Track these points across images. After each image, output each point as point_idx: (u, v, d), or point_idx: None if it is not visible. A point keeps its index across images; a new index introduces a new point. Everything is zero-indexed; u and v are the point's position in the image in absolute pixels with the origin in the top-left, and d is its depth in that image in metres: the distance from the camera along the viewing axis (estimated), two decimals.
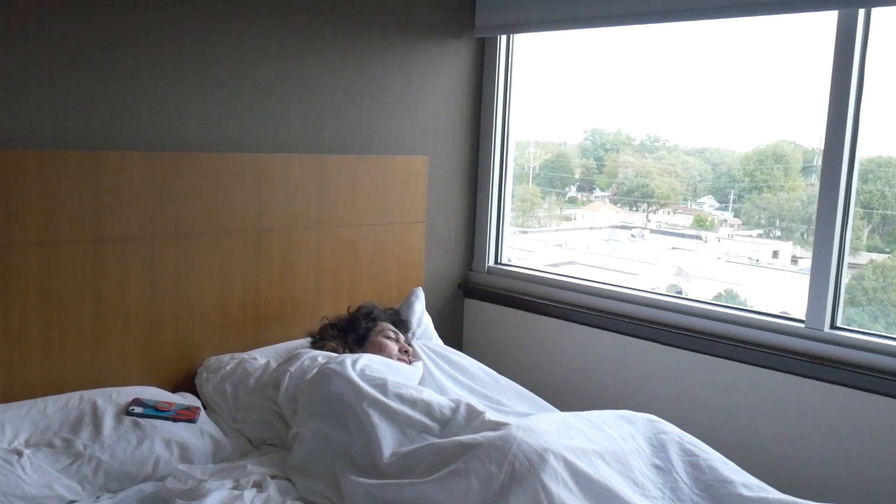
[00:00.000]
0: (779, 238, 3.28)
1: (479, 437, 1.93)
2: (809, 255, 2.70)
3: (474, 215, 3.62)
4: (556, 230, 4.00)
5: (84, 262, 2.37)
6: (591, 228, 3.83)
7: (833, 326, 2.64)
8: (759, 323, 2.77)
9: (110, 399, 2.27)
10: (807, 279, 2.67)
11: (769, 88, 3.00)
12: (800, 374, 2.62)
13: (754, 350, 2.73)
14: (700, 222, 3.47)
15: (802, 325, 2.67)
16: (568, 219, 3.94)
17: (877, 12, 2.49)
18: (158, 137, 2.55)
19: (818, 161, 2.66)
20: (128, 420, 2.19)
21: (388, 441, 2.03)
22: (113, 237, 2.42)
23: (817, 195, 2.63)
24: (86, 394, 2.28)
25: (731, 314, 2.85)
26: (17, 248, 2.24)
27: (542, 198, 3.98)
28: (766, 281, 3.26)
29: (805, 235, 3.13)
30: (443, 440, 1.99)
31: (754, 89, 3.05)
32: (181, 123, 2.60)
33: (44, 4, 2.27)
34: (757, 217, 3.31)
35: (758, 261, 3.30)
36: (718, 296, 3.23)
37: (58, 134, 2.35)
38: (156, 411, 2.25)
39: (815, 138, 2.98)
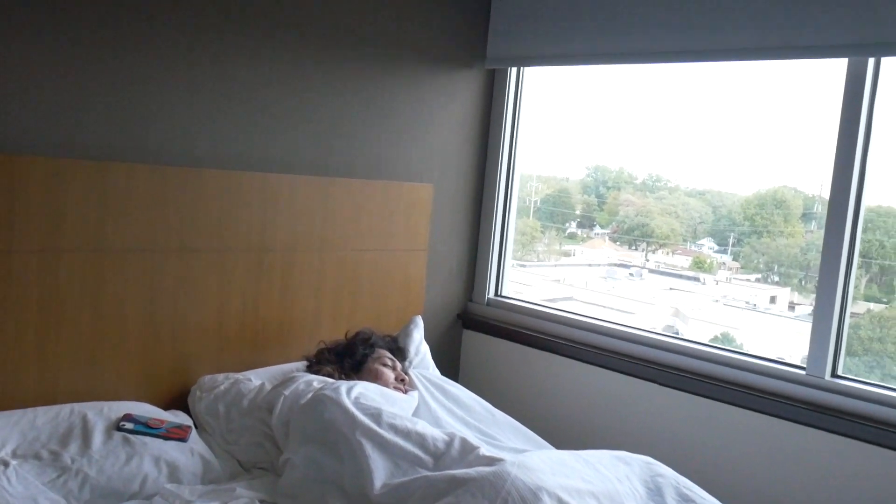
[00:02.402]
0: (776, 283, 3.27)
1: (472, 471, 1.91)
2: (806, 301, 2.70)
3: (476, 246, 3.61)
4: (555, 265, 3.99)
5: (84, 271, 2.36)
6: (589, 265, 3.83)
7: (834, 375, 2.62)
8: (760, 368, 2.75)
9: (101, 413, 2.24)
10: (803, 325, 2.67)
11: (772, 133, 3.01)
12: (799, 421, 2.60)
13: (754, 395, 2.71)
14: (699, 264, 3.46)
15: (803, 373, 2.65)
16: (567, 254, 3.93)
17: (887, 62, 2.51)
18: (167, 151, 2.55)
19: (818, 208, 2.67)
20: (118, 435, 2.16)
21: (380, 472, 2.00)
22: (114, 248, 2.41)
23: (817, 242, 2.63)
24: (77, 406, 2.26)
25: (732, 358, 2.83)
26: (18, 254, 2.23)
27: (542, 232, 3.97)
28: (762, 326, 3.24)
29: (803, 282, 3.12)
30: (435, 473, 1.97)
31: (757, 133, 3.07)
32: (190, 139, 2.60)
33: (59, 11, 2.28)
34: (755, 261, 3.31)
35: (755, 305, 3.29)
36: (715, 339, 3.21)
37: (66, 142, 2.35)
38: (147, 428, 2.22)
39: (816, 185, 2.99)
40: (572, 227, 3.91)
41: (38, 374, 2.31)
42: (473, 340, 3.57)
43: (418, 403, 2.53)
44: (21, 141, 2.26)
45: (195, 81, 2.59)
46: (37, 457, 2.03)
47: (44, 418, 2.17)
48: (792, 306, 3.18)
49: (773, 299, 3.28)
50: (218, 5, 2.59)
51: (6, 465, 1.95)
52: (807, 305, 2.95)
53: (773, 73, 2.92)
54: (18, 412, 2.18)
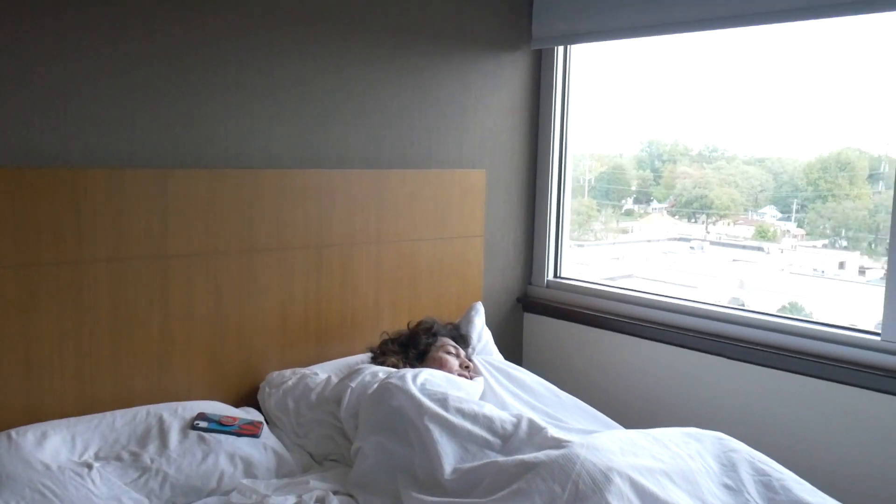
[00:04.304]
0: (845, 248, 3.18)
1: (541, 455, 1.90)
2: (878, 265, 2.61)
3: (533, 229, 3.59)
4: (613, 243, 3.94)
5: (151, 277, 2.42)
6: (648, 241, 3.78)
7: None
8: (831, 336, 2.68)
9: (176, 413, 2.30)
10: (876, 290, 2.58)
11: (832, 94, 2.91)
12: (875, 388, 2.52)
13: (826, 364, 2.64)
14: (762, 233, 3.38)
15: (878, 338, 2.57)
16: (625, 231, 3.88)
17: None
18: (222, 155, 2.60)
19: (885, 168, 2.57)
20: (193, 434, 2.22)
21: (450, 457, 2.01)
22: (178, 253, 2.47)
23: (885, 203, 2.54)
24: (152, 408, 2.32)
25: (801, 327, 2.76)
26: (87, 265, 2.30)
27: (598, 210, 3.93)
28: (832, 292, 3.16)
29: (873, 245, 3.03)
30: (505, 458, 1.97)
31: (816, 96, 2.97)
32: (244, 140, 2.64)
33: (106, 31, 2.33)
34: (821, 227, 3.22)
35: (823, 272, 3.21)
36: (783, 308, 3.14)
37: (125, 152, 2.40)
38: (220, 426, 2.27)
39: (882, 144, 2.88)
40: (629, 203, 3.86)
41: (113, 379, 2.38)
42: (535, 323, 3.56)
43: (484, 389, 2.53)
44: (81, 153, 2.32)
45: (244, 83, 2.62)
46: (118, 458, 2.10)
47: (122, 421, 2.24)
48: (862, 271, 3.09)
49: (841, 265, 3.18)
50: (262, 5, 2.62)
51: (90, 467, 2.02)
52: (878, 269, 2.86)
53: (828, 30, 2.81)
54: (98, 416, 2.25)
